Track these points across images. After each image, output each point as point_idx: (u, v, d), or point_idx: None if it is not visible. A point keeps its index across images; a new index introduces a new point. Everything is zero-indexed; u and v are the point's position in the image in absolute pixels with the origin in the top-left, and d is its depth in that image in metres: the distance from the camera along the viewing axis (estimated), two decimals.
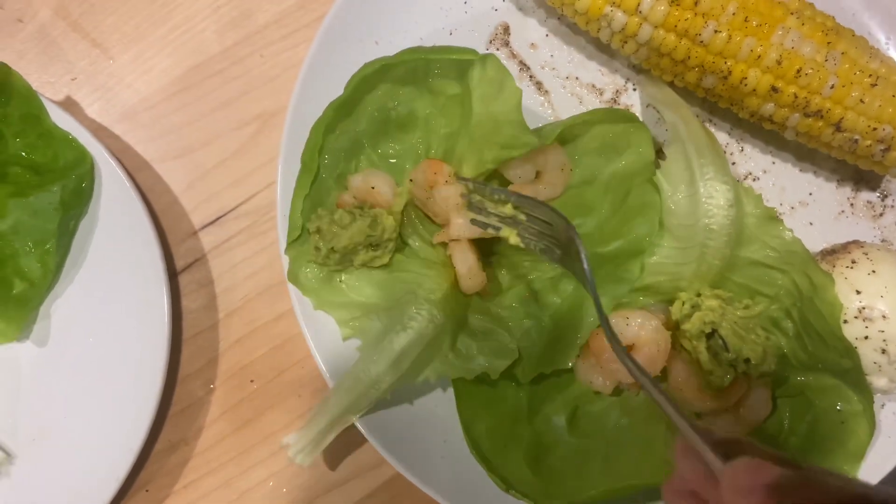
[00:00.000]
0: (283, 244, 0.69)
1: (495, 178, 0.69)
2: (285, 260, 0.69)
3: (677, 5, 0.65)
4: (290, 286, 0.69)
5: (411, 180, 0.67)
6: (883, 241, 0.73)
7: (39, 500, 0.69)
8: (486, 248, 0.70)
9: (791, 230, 0.65)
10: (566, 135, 0.68)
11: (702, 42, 0.66)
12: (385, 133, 0.69)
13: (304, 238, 0.67)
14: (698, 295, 0.66)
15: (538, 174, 0.68)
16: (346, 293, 0.69)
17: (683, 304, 0.66)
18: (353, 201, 0.67)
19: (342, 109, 0.66)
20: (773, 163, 0.75)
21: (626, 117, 0.68)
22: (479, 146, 0.66)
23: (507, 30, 0.77)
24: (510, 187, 0.68)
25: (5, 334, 0.69)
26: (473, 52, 0.66)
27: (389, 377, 0.63)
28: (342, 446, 0.74)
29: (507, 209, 0.64)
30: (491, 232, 0.65)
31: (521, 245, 0.64)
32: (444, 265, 0.68)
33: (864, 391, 0.66)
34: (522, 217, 0.64)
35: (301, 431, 0.64)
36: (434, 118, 0.69)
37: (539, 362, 0.67)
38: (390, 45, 0.74)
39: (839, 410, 0.66)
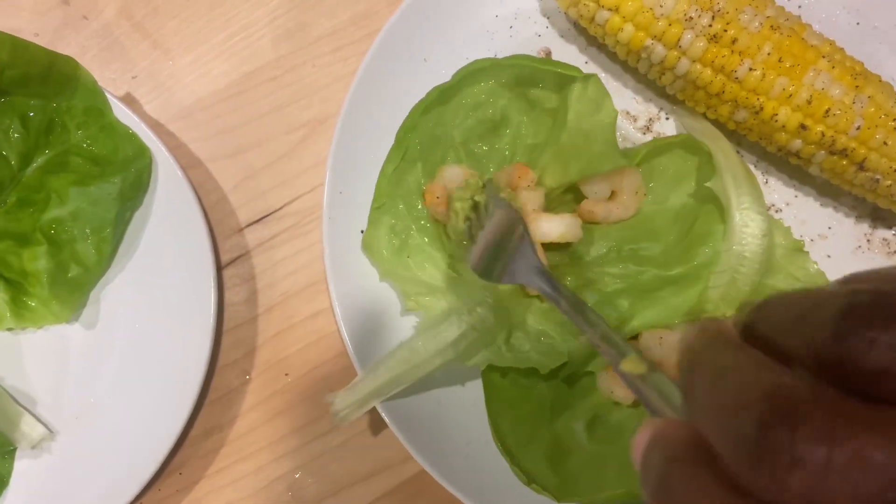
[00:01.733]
0: (327, 245, 0.72)
1: (572, 191, 0.74)
2: (327, 259, 0.72)
3: (715, 43, 0.69)
4: (330, 285, 0.72)
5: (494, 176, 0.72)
6: None
7: (79, 477, 0.72)
8: (554, 255, 0.74)
9: (816, 263, 0.69)
10: (645, 156, 0.72)
11: (737, 78, 0.69)
12: (476, 132, 0.74)
13: (386, 207, 0.72)
14: (723, 317, 0.69)
15: (613, 193, 0.73)
16: (412, 269, 0.73)
17: None
18: (443, 190, 0.72)
19: (443, 95, 0.72)
20: (796, 196, 0.79)
21: (701, 148, 0.72)
22: (565, 159, 0.71)
23: (549, 55, 0.80)
24: (583, 202, 0.73)
25: (58, 316, 0.73)
26: (578, 69, 0.71)
27: (444, 357, 0.67)
28: (368, 442, 0.77)
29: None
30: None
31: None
32: None
33: None
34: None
35: (347, 391, 0.67)
36: (524, 127, 0.74)
37: (580, 364, 0.71)
38: (437, 63, 0.78)
39: None
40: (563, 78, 0.72)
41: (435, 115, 0.73)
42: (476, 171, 0.74)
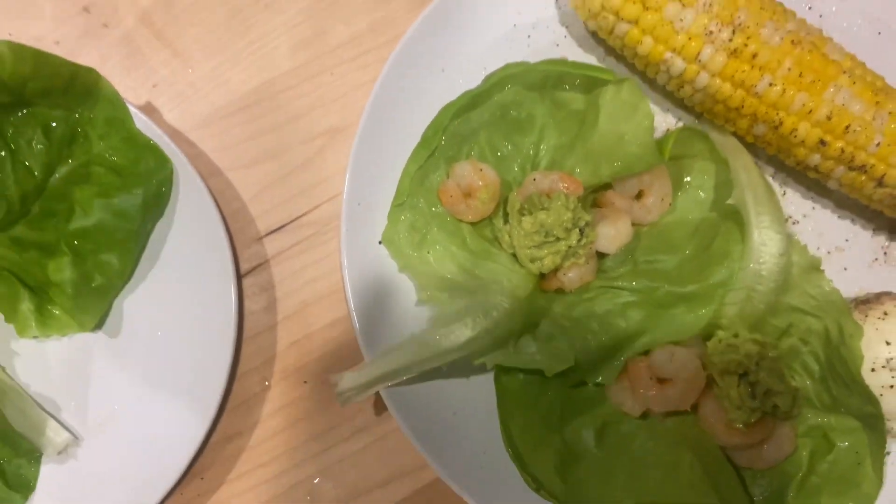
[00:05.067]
0: (344, 255, 0.73)
1: (598, 191, 0.76)
2: (344, 269, 0.73)
3: (735, 57, 0.69)
4: (348, 295, 0.73)
5: (535, 179, 0.73)
6: None
7: (104, 482, 0.74)
8: None
9: (831, 280, 0.69)
10: (677, 151, 0.73)
11: (756, 93, 0.69)
12: (501, 130, 0.75)
13: (407, 203, 0.74)
14: (736, 335, 0.69)
15: (640, 193, 0.74)
16: (431, 264, 0.74)
17: (720, 341, 0.70)
18: (456, 188, 0.73)
19: (473, 100, 0.74)
20: (813, 208, 0.79)
21: (721, 157, 0.74)
22: (596, 159, 0.73)
23: None
24: (608, 192, 0.75)
25: (83, 325, 0.74)
26: (611, 72, 0.73)
27: (455, 354, 0.69)
28: (386, 449, 0.78)
29: None
30: None
31: None
32: None
33: (880, 437, 0.69)
34: None
35: (353, 373, 0.68)
36: (549, 128, 0.76)
37: (587, 372, 0.72)
38: (455, 72, 0.78)
39: (857, 452, 0.70)
40: (592, 80, 0.73)
41: (463, 118, 0.75)
42: (495, 169, 0.75)
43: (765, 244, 0.68)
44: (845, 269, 0.78)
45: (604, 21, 0.72)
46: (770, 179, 0.79)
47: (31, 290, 0.74)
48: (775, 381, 0.68)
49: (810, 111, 0.68)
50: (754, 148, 0.77)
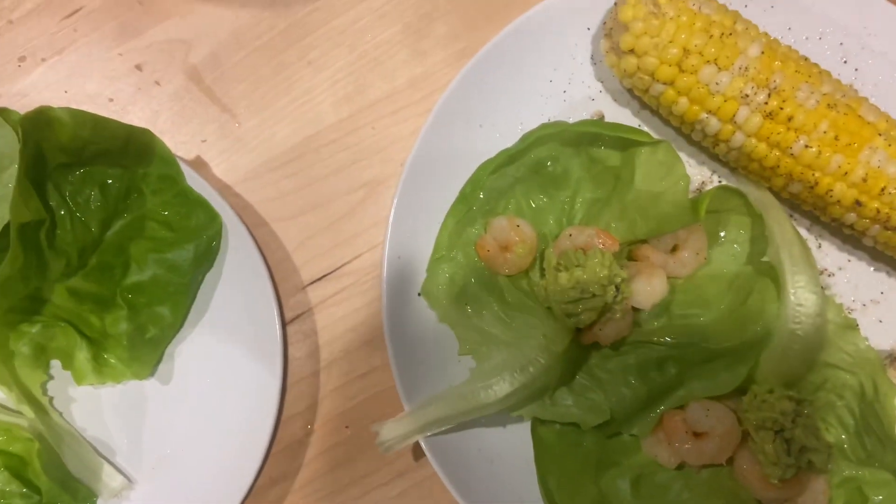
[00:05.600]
0: (385, 302, 0.76)
1: (640, 241, 0.77)
2: (385, 321, 0.76)
3: (771, 119, 0.70)
4: (388, 347, 0.76)
5: (570, 234, 0.74)
6: None
7: None
8: None
9: (866, 339, 0.70)
10: (713, 206, 0.74)
11: (792, 154, 0.70)
12: (537, 184, 0.78)
13: (445, 257, 0.77)
14: (771, 391, 0.70)
15: (675, 247, 0.76)
16: (469, 316, 0.76)
17: (755, 396, 0.71)
18: (493, 243, 0.76)
19: (511, 158, 0.76)
20: (849, 260, 0.79)
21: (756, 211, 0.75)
22: (632, 216, 0.75)
23: (601, 118, 0.82)
24: (643, 246, 0.76)
25: (137, 374, 0.78)
26: (648, 135, 0.75)
27: (493, 408, 0.71)
28: (423, 494, 0.81)
29: None
30: None
31: None
32: None
33: None
34: None
35: (394, 423, 0.71)
36: (584, 182, 0.78)
37: (622, 424, 0.74)
38: (492, 128, 0.80)
39: None
40: (626, 140, 0.75)
41: (500, 173, 0.77)
42: (531, 221, 0.77)
43: (801, 304, 0.69)
44: (880, 321, 0.78)
45: (639, 81, 0.74)
46: (805, 232, 0.80)
47: (87, 339, 0.78)
48: (811, 439, 0.69)
49: (846, 173, 0.69)
50: (790, 202, 0.78)
